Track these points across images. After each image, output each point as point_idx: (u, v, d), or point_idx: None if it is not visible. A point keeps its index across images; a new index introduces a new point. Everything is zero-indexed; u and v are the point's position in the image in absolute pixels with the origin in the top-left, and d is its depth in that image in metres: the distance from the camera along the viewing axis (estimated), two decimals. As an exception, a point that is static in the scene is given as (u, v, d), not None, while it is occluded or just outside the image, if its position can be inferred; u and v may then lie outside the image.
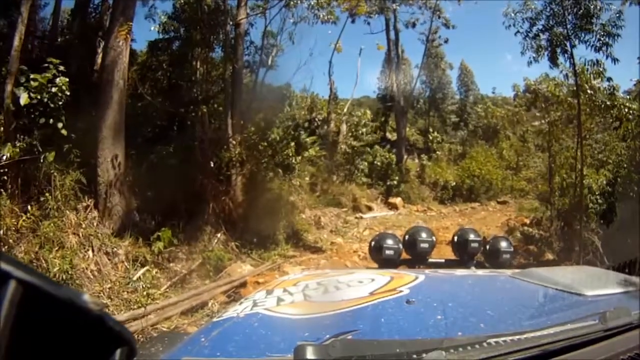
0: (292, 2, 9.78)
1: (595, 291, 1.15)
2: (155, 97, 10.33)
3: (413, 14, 17.49)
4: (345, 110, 15.58)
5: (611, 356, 0.78)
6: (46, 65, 5.65)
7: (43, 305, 0.40)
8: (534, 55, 7.78)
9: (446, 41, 19.63)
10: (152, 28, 9.03)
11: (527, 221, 11.39)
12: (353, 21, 15.39)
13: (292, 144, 9.16)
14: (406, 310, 1.11)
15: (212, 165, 8.07)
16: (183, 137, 8.88)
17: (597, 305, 1.02)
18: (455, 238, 2.57)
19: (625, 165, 7.86)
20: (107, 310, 4.37)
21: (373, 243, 2.47)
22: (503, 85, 32.95)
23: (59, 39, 9.90)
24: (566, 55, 7.54)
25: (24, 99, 5.25)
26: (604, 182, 7.86)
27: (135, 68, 11.07)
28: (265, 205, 8.60)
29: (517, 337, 0.79)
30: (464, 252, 2.47)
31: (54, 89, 5.49)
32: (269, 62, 10.65)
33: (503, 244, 2.42)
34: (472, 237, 2.46)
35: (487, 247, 2.49)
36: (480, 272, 1.81)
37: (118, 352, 0.47)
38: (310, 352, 0.70)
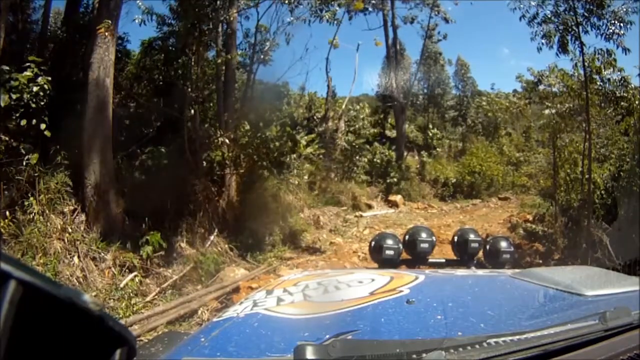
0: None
1: (595, 291, 1.14)
2: (150, 97, 10.13)
3: (411, 9, 17.29)
4: (343, 107, 15.35)
5: (611, 356, 0.78)
6: (27, 64, 5.50)
7: (43, 305, 0.40)
8: (544, 41, 7.38)
9: (445, 37, 19.40)
10: (135, 19, 8.60)
11: (530, 217, 11.19)
12: (350, 18, 15.17)
13: (288, 141, 8.89)
14: (406, 310, 1.11)
15: (204, 165, 7.83)
16: (176, 138, 8.65)
17: (597, 305, 1.02)
18: (455, 238, 2.54)
19: (628, 160, 7.65)
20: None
21: (373, 243, 2.47)
22: (501, 82, 32.93)
23: (49, 41, 9.69)
24: (576, 43, 7.19)
25: (3, 99, 5.07)
26: (609, 176, 7.65)
27: (130, 68, 10.89)
28: (260, 206, 8.36)
29: (517, 337, 0.79)
30: (464, 252, 2.44)
31: (35, 89, 5.32)
32: (262, 55, 10.34)
33: (503, 244, 2.40)
34: (472, 237, 2.44)
35: (487, 247, 2.47)
36: (480, 272, 1.81)
37: (118, 352, 0.47)
38: (310, 352, 0.71)
